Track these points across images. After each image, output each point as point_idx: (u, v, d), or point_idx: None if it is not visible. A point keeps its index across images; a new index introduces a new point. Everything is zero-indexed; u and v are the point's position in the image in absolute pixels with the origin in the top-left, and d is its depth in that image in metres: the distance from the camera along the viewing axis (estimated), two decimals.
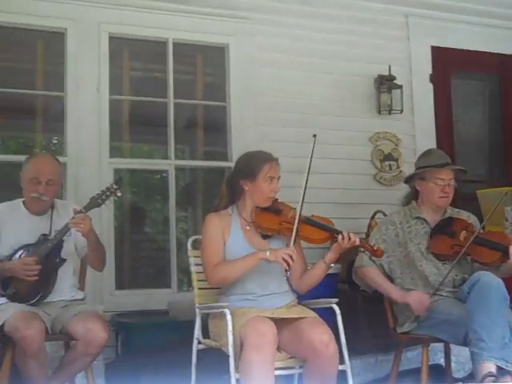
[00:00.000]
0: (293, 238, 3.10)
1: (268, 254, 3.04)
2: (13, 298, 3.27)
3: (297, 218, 3.12)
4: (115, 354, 4.09)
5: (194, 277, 3.41)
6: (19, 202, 3.50)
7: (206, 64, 5.29)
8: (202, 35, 4.93)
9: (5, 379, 3.14)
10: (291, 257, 2.99)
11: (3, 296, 3.29)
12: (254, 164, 3.22)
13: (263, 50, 5.04)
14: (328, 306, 3.19)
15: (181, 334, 3.82)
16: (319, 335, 2.91)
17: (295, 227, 3.11)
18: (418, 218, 3.61)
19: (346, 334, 3.11)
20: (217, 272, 3.14)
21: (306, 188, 3.17)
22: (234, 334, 2.91)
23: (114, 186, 3.31)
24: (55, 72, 4.79)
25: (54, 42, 4.77)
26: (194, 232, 5.99)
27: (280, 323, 2.95)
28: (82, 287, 3.58)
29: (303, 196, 3.16)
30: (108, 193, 3.30)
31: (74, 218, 3.20)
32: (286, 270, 3.02)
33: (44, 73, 4.93)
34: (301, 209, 3.14)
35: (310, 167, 3.19)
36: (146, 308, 4.39)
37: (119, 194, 3.33)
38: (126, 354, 4.01)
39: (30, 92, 4.89)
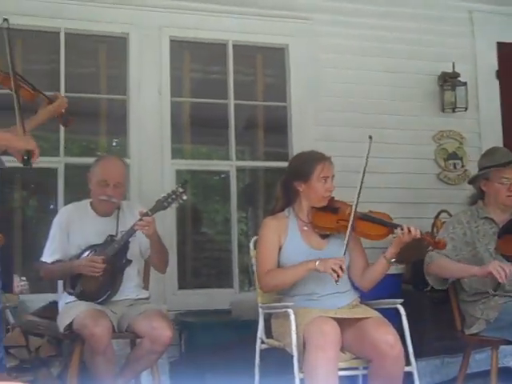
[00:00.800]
0: (347, 237, 3.08)
1: (317, 264, 3.01)
2: (80, 297, 3.34)
3: (352, 215, 3.10)
4: (179, 352, 4.13)
5: (256, 277, 3.41)
6: (87, 202, 3.57)
7: (265, 65, 5.30)
8: (262, 36, 4.94)
9: (74, 375, 3.22)
10: (341, 267, 2.95)
11: (71, 294, 3.37)
12: (307, 165, 3.21)
13: (323, 50, 5.03)
14: (392, 306, 3.14)
15: (243, 333, 3.84)
16: (384, 336, 2.87)
17: (350, 224, 3.08)
18: (485, 218, 3.52)
19: (410, 335, 3.05)
20: (268, 279, 3.15)
21: (361, 187, 3.14)
22: (297, 334, 2.89)
23: (180, 190, 3.31)
24: (118, 76, 4.88)
25: (116, 46, 4.87)
26: (254, 233, 6.02)
27: (343, 323, 2.92)
28: (146, 287, 3.63)
29: (358, 194, 3.12)
30: (174, 196, 3.30)
31: (141, 220, 3.23)
32: (336, 281, 2.98)
33: (107, 77, 5.04)
34: (356, 206, 3.11)
35: (365, 169, 3.16)
36: (208, 307, 4.42)
37: (185, 198, 3.33)
38: (190, 352, 4.05)
39: (93, 96, 5.00)
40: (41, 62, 5.02)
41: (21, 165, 2.63)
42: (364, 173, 3.15)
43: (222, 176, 7.75)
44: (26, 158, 2.52)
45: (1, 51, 2.73)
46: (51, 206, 6.22)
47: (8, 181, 5.03)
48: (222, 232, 6.02)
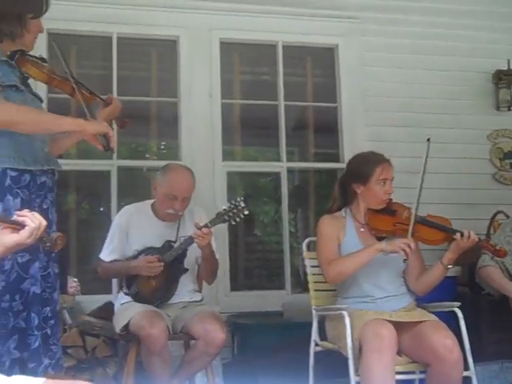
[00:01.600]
0: (410, 229, 3.03)
1: (384, 244, 2.99)
2: (136, 298, 3.37)
3: (412, 220, 3.05)
4: (231, 354, 4.14)
5: (310, 278, 3.40)
6: (148, 204, 3.55)
7: (315, 65, 5.27)
8: (311, 37, 4.91)
9: (130, 375, 3.25)
10: (409, 246, 2.92)
11: (127, 294, 3.40)
12: (366, 167, 3.17)
13: (373, 49, 4.97)
14: (449, 309, 3.09)
15: (296, 335, 3.83)
16: (442, 339, 2.83)
17: (410, 229, 3.04)
18: None
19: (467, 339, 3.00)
20: (333, 267, 3.11)
21: (421, 191, 3.09)
22: (352, 337, 2.87)
23: (242, 204, 3.24)
24: (168, 79, 4.92)
25: (166, 49, 4.92)
26: (304, 234, 6.00)
27: (400, 327, 2.88)
28: (199, 289, 3.64)
29: (418, 199, 3.08)
30: (235, 210, 3.23)
31: (199, 229, 3.19)
32: (405, 260, 2.97)
33: (158, 80, 5.09)
34: (416, 211, 3.07)
35: (424, 172, 3.11)
36: (260, 309, 4.42)
37: (246, 213, 3.26)
38: (243, 354, 4.05)
39: (144, 99, 5.06)
40: (93, 66, 5.10)
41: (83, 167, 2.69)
42: (423, 177, 3.10)
43: (270, 178, 7.77)
44: (105, 144, 2.56)
45: (56, 57, 2.78)
46: (104, 209, 6.32)
47: (63, 183, 5.12)
48: (272, 233, 6.03)
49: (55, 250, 1.98)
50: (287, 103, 4.89)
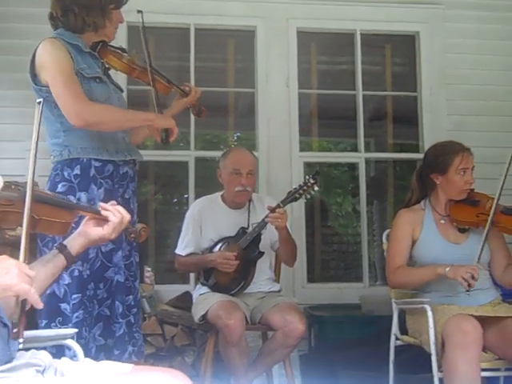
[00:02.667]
0: (485, 232, 2.93)
1: (448, 270, 2.88)
2: (214, 288, 3.40)
3: (492, 209, 2.94)
4: (308, 346, 4.11)
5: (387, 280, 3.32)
6: (217, 196, 3.61)
7: (394, 53, 5.17)
8: (391, 24, 4.81)
9: (208, 365, 3.27)
10: (473, 276, 2.80)
11: (205, 285, 3.42)
12: (444, 157, 3.08)
13: (456, 35, 4.82)
14: None
15: (374, 328, 3.78)
16: None
17: (490, 219, 2.93)
18: None
19: None
20: (397, 276, 3.08)
21: (504, 181, 2.96)
22: (435, 332, 2.79)
23: (311, 181, 3.28)
24: (245, 69, 4.92)
25: (244, 39, 4.91)
26: (381, 226, 5.90)
27: (485, 322, 2.78)
28: (277, 280, 3.63)
29: (501, 187, 2.96)
30: (305, 187, 3.28)
31: (272, 212, 3.23)
32: (467, 291, 2.84)
33: (235, 70, 5.10)
34: (498, 199, 2.95)
35: (510, 163, 2.97)
36: (337, 301, 4.37)
37: (316, 189, 3.30)
38: (320, 346, 4.02)
39: (222, 90, 5.08)
40: (171, 57, 5.16)
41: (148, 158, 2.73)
42: (509, 167, 2.97)
43: (345, 168, 7.70)
44: (164, 136, 2.61)
45: (138, 46, 2.81)
46: (182, 199, 6.41)
47: (141, 174, 5.22)
48: (349, 225, 5.96)
49: (140, 240, 2.00)
50: (365, 93, 4.80)
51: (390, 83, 5.15)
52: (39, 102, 1.66)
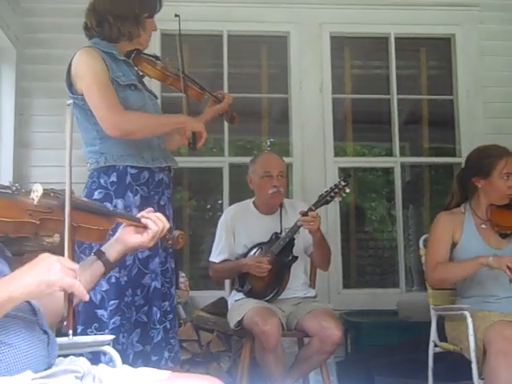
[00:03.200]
0: None
1: (491, 259, 2.82)
2: (249, 294, 3.39)
3: None
4: (344, 352, 4.07)
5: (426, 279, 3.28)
6: (249, 202, 3.61)
7: (429, 57, 5.11)
8: (425, 27, 4.76)
9: (245, 371, 3.26)
10: None
11: (240, 291, 3.42)
12: (487, 160, 3.03)
13: (491, 37, 4.76)
14: None
15: (412, 335, 3.73)
16: None
17: None
18: None
19: None
20: (436, 272, 3.02)
21: None
22: (475, 339, 2.74)
23: (342, 183, 3.27)
24: (279, 74, 4.91)
25: (277, 45, 4.91)
26: (417, 231, 5.83)
27: None
28: (312, 285, 3.61)
29: None
30: (336, 190, 3.26)
31: (305, 215, 3.22)
32: (511, 280, 2.77)
33: (268, 76, 5.09)
34: None
35: None
36: (373, 307, 4.33)
37: (348, 191, 3.29)
38: (356, 353, 3.98)
39: (255, 96, 5.08)
40: (205, 64, 5.18)
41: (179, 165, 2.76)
42: None
43: (380, 173, 7.65)
44: (191, 141, 2.62)
45: (171, 54, 2.83)
46: (216, 205, 6.42)
47: (177, 180, 5.25)
48: (384, 230, 5.90)
49: (177, 247, 2.00)
50: (400, 97, 4.75)
51: (426, 87, 5.09)
52: (69, 104, 1.66)
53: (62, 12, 4.33)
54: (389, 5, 4.70)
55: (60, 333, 1.77)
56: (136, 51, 2.71)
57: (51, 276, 1.41)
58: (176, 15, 2.78)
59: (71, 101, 1.69)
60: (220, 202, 5.31)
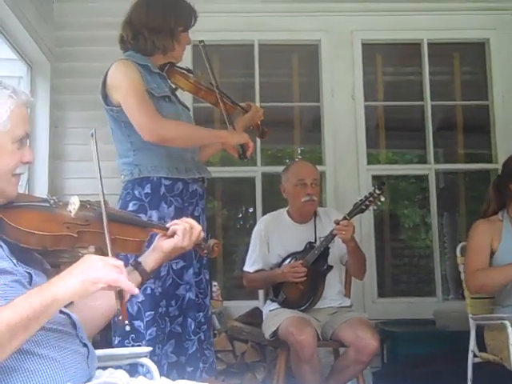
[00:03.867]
0: None
1: None
2: (283, 304, 3.37)
3: None
4: (381, 362, 4.02)
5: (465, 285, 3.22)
6: (283, 211, 3.60)
7: (463, 62, 5.05)
8: (459, 32, 4.69)
9: (281, 381, 3.24)
10: None
11: (275, 301, 3.40)
12: None
13: None
14: None
15: (450, 345, 3.67)
16: None
17: None
18: None
19: None
20: (476, 278, 2.99)
21: None
22: None
23: (377, 192, 3.24)
24: (310, 83, 4.89)
25: (308, 53, 4.90)
26: (452, 238, 5.75)
27: None
28: (348, 294, 3.57)
29: None
30: (371, 198, 3.24)
31: (338, 224, 3.20)
32: None
33: (299, 84, 5.08)
34: None
35: None
36: (409, 316, 4.26)
37: (382, 199, 3.27)
38: (393, 363, 3.92)
39: (287, 104, 5.07)
40: (236, 74, 5.19)
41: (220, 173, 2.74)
42: None
43: (412, 180, 7.58)
44: (241, 152, 2.62)
45: (202, 65, 2.83)
46: (248, 215, 6.41)
47: (209, 190, 5.27)
48: (418, 238, 5.83)
49: (212, 256, 2.00)
50: (434, 103, 4.69)
51: (460, 92, 5.02)
52: (92, 134, 1.66)
53: (94, 25, 4.37)
54: (421, 10, 4.64)
55: (97, 345, 1.77)
56: (169, 64, 2.72)
57: (95, 273, 1.40)
58: (200, 41, 2.78)
59: (93, 130, 1.68)
60: (251, 210, 5.31)
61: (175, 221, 1.87)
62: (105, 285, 1.40)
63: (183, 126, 2.61)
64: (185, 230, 1.82)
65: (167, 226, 1.86)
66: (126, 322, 1.43)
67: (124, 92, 2.51)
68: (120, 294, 1.43)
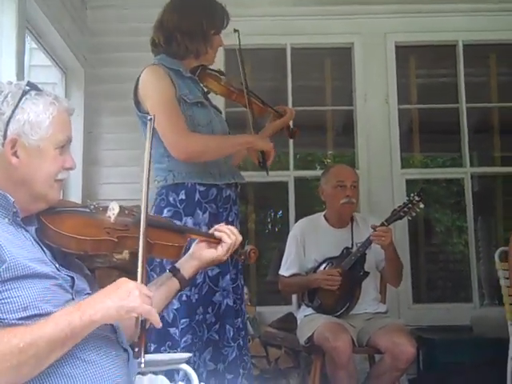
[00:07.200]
0: None
1: None
2: (318, 310, 3.34)
3: None
4: (417, 369, 3.96)
5: (504, 291, 3.18)
6: (320, 215, 3.57)
7: (500, 63, 4.97)
8: (495, 33, 4.61)
9: None
10: None
11: (310, 307, 3.37)
12: None
13: None
14: None
15: (488, 352, 3.59)
16: None
17: None
18: None
19: None
20: None
21: None
22: None
23: (417, 198, 3.21)
24: (343, 86, 4.86)
25: (340, 57, 4.87)
26: (487, 243, 5.65)
27: None
28: (383, 301, 3.53)
29: None
30: (410, 205, 3.21)
31: (375, 230, 3.16)
32: None
33: (332, 88, 5.05)
34: None
35: None
36: (446, 323, 4.20)
37: (422, 206, 3.23)
38: (430, 370, 3.86)
39: (320, 108, 5.04)
40: (268, 78, 5.17)
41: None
42: None
43: (444, 184, 7.47)
44: (260, 159, 2.61)
45: (234, 68, 2.82)
46: (280, 219, 6.39)
47: (241, 195, 5.27)
48: (455, 243, 5.74)
49: (250, 262, 1.98)
50: (469, 105, 4.62)
51: (496, 94, 4.94)
52: (150, 119, 1.68)
53: (126, 32, 4.40)
54: (455, 11, 4.58)
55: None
56: (201, 67, 2.70)
57: (131, 302, 1.42)
58: (235, 30, 2.76)
59: (153, 116, 1.70)
60: (280, 214, 5.28)
61: (222, 227, 1.85)
62: (137, 314, 1.44)
63: (211, 139, 2.56)
64: (229, 245, 1.83)
65: (211, 232, 1.85)
66: (143, 359, 1.43)
67: (153, 105, 2.47)
68: (143, 323, 1.45)
